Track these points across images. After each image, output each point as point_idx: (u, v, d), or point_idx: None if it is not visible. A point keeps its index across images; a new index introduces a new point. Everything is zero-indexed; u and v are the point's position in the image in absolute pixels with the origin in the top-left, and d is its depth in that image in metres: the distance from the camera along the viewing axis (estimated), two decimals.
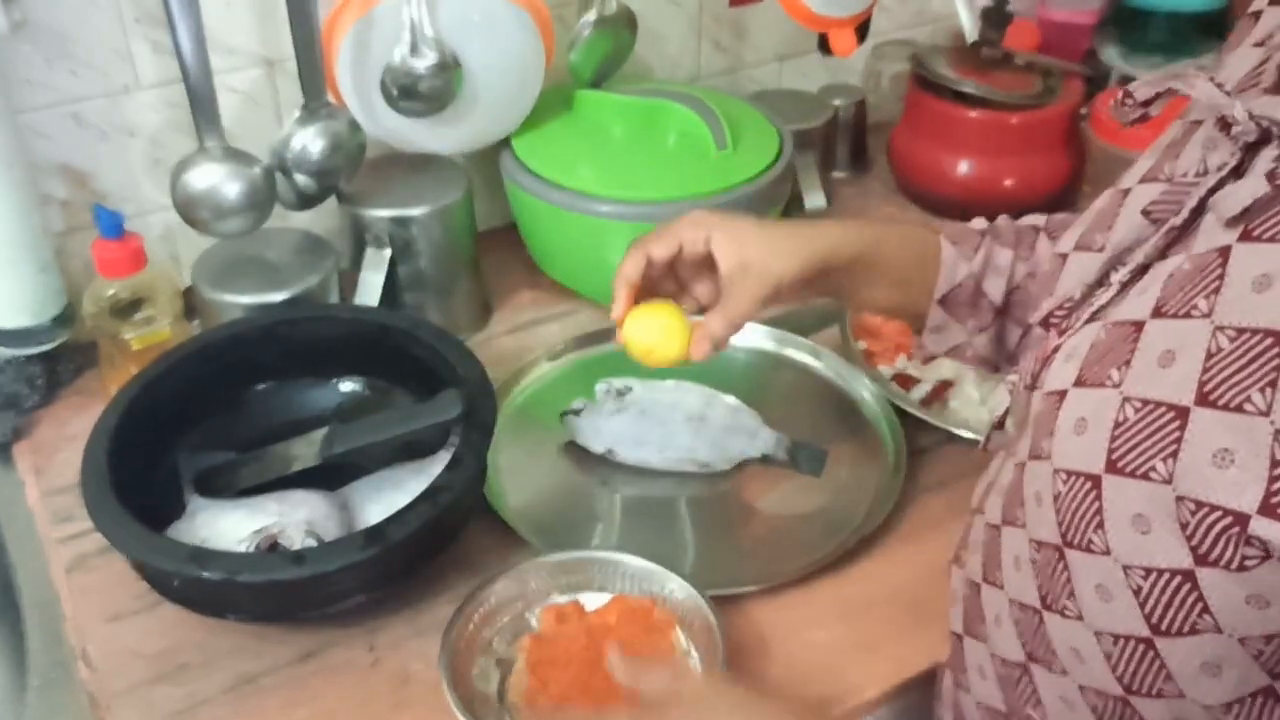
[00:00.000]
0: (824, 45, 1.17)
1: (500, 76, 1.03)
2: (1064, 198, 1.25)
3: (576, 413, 0.94)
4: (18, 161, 0.91)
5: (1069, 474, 0.54)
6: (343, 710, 0.74)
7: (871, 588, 0.83)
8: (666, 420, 0.93)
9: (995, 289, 0.78)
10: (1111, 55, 1.43)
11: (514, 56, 1.03)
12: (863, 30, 1.17)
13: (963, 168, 1.23)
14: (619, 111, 1.12)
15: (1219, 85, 0.54)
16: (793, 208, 1.18)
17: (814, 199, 1.20)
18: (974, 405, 0.98)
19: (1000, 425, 0.69)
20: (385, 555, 0.73)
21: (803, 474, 0.93)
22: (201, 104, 0.90)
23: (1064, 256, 0.67)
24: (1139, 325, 0.54)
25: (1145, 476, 0.50)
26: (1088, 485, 0.53)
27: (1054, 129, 1.22)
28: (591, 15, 1.10)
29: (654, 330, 0.75)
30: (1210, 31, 1.40)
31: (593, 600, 0.78)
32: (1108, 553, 0.52)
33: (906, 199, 1.31)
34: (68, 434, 0.95)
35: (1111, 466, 0.51)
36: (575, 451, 0.94)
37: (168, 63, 0.96)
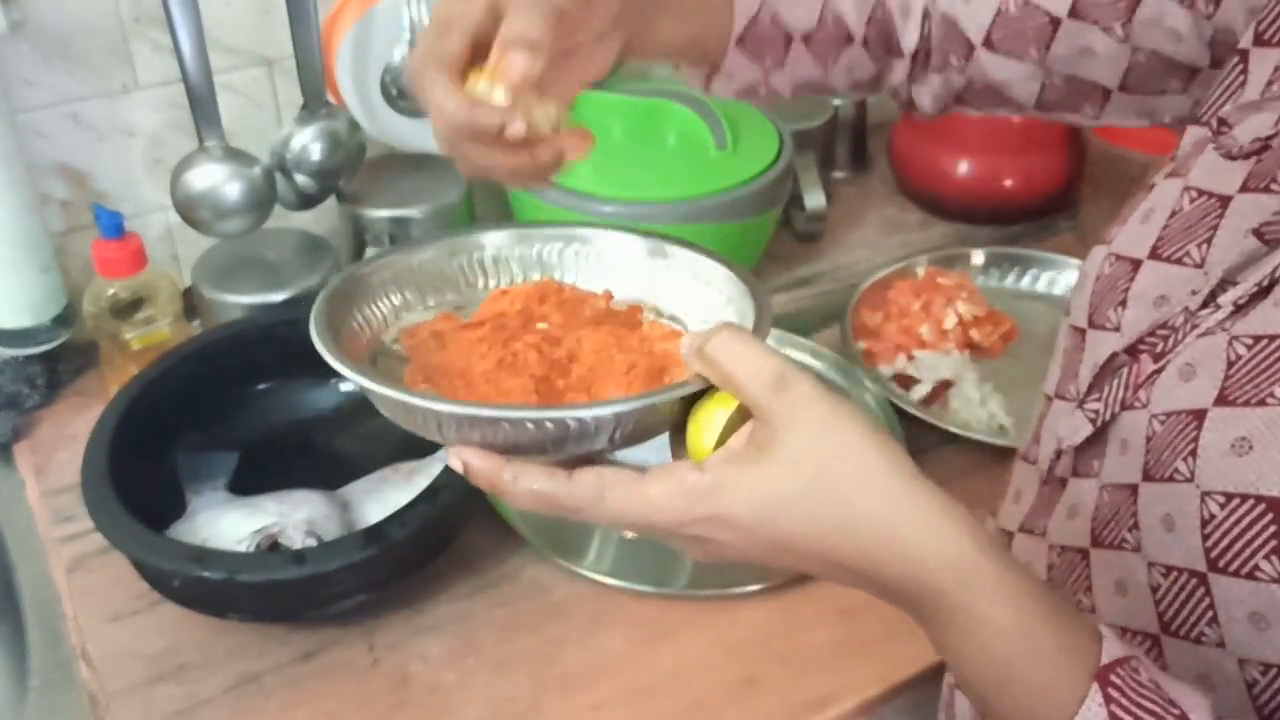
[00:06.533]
0: None
1: None
2: (1064, 197, 1.25)
3: None
4: (17, 161, 0.91)
5: (1229, 496, 0.51)
6: (342, 710, 0.74)
7: None
8: None
9: (799, 20, 0.74)
10: None
11: None
12: None
13: (963, 168, 1.23)
14: (619, 111, 1.11)
15: None
16: (793, 208, 1.18)
17: (814, 199, 1.19)
18: (974, 406, 0.98)
19: (1059, 453, 0.66)
20: (385, 555, 0.73)
21: None
22: (201, 104, 0.90)
23: (1137, 262, 0.62)
24: None
25: None
26: (1260, 508, 0.50)
27: (1054, 129, 1.22)
28: None
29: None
30: None
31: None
32: (1277, 581, 0.49)
33: (907, 199, 1.31)
34: (68, 434, 0.95)
35: None
36: None
37: (167, 62, 0.96)
